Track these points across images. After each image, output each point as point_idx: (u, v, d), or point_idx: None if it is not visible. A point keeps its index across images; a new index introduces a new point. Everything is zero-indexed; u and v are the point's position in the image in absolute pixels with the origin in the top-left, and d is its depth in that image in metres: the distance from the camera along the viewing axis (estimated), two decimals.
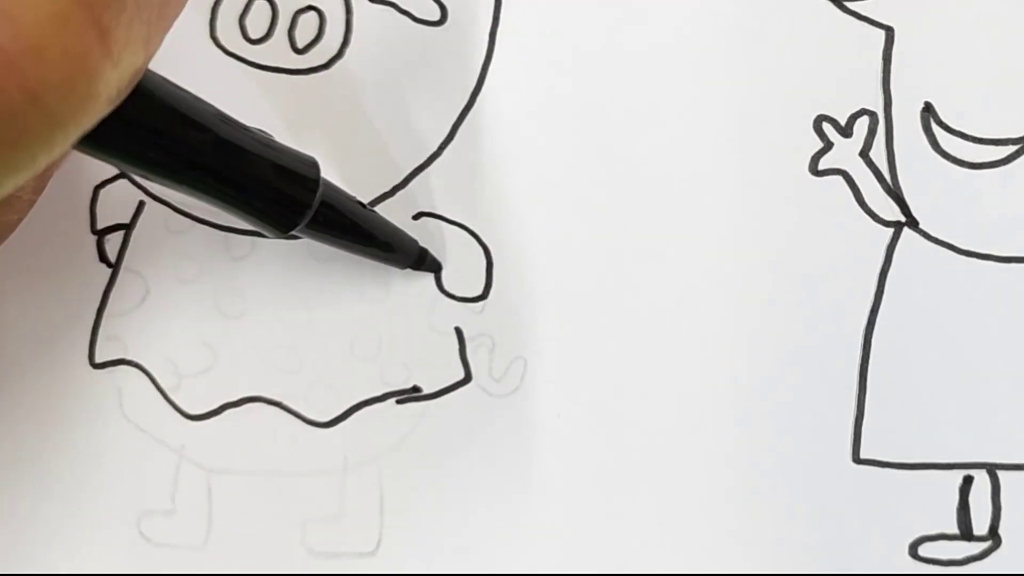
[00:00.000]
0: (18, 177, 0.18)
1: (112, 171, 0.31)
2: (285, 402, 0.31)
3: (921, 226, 0.29)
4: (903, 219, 0.29)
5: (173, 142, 0.24)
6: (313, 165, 0.27)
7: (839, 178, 0.29)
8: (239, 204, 0.26)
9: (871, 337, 0.29)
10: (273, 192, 0.26)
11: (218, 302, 0.31)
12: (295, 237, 0.28)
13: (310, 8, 0.31)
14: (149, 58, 0.19)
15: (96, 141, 0.21)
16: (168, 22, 0.20)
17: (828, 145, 0.29)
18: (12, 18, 0.16)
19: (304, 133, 0.31)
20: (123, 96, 0.20)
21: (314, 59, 0.31)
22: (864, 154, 0.29)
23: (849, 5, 0.29)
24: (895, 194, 0.29)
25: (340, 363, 0.31)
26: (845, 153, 0.29)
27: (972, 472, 0.29)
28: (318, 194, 0.27)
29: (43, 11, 0.16)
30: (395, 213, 0.31)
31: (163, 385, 0.31)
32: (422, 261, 0.30)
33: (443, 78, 0.31)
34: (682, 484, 0.29)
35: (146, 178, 0.24)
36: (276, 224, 0.27)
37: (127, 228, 0.31)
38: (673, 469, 0.29)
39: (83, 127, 0.18)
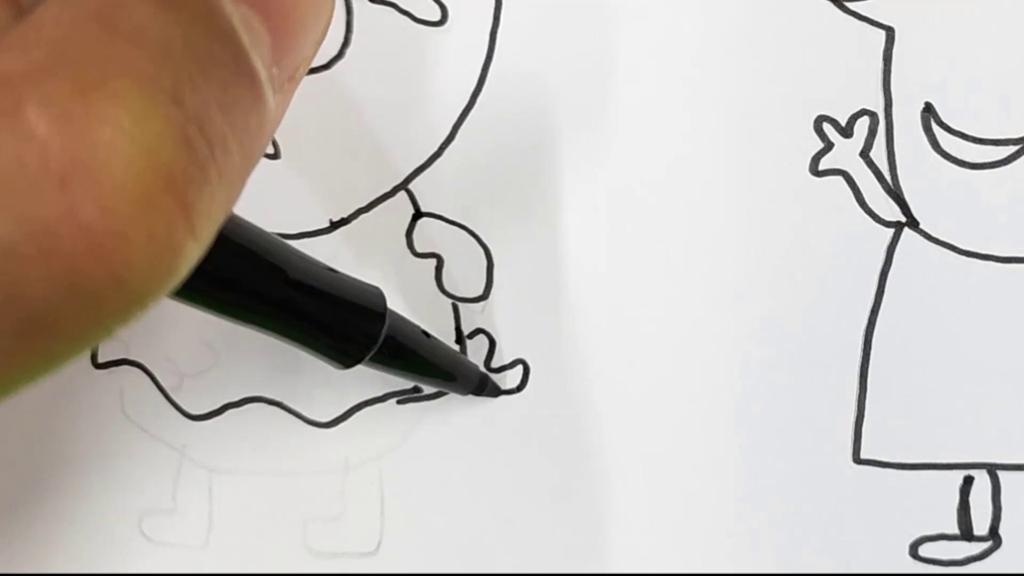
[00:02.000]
0: (92, 346, 0.17)
1: None
2: (286, 402, 0.31)
3: (921, 226, 0.29)
4: (903, 219, 0.29)
5: (245, 284, 0.24)
6: (379, 296, 0.27)
7: (839, 178, 0.29)
8: (308, 341, 0.26)
9: (871, 337, 0.29)
10: (342, 327, 0.26)
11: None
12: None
13: None
14: (228, 215, 0.19)
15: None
16: (247, 176, 0.19)
17: (828, 145, 0.29)
18: (99, 200, 0.15)
19: (304, 133, 0.31)
20: (189, 267, 0.19)
21: (314, 59, 0.31)
22: (864, 154, 0.29)
23: (849, 5, 0.29)
24: (895, 194, 0.29)
25: None
26: (845, 153, 0.29)
27: (972, 472, 0.29)
28: (384, 327, 0.27)
29: (130, 194, 0.16)
30: (396, 213, 0.31)
31: (165, 385, 0.31)
32: (483, 387, 0.30)
33: (443, 78, 0.31)
34: (682, 484, 0.29)
35: (213, 315, 0.24)
36: (343, 358, 0.26)
37: None
38: (673, 469, 0.29)
39: (161, 298, 0.18)
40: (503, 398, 0.30)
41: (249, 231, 0.24)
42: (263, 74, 0.19)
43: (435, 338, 0.29)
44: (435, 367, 0.29)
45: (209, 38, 0.17)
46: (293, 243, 0.31)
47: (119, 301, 0.16)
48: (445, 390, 0.30)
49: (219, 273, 0.23)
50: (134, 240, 0.16)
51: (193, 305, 0.24)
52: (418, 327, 0.29)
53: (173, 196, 0.16)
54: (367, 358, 0.27)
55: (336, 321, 0.26)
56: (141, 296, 0.17)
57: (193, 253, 0.17)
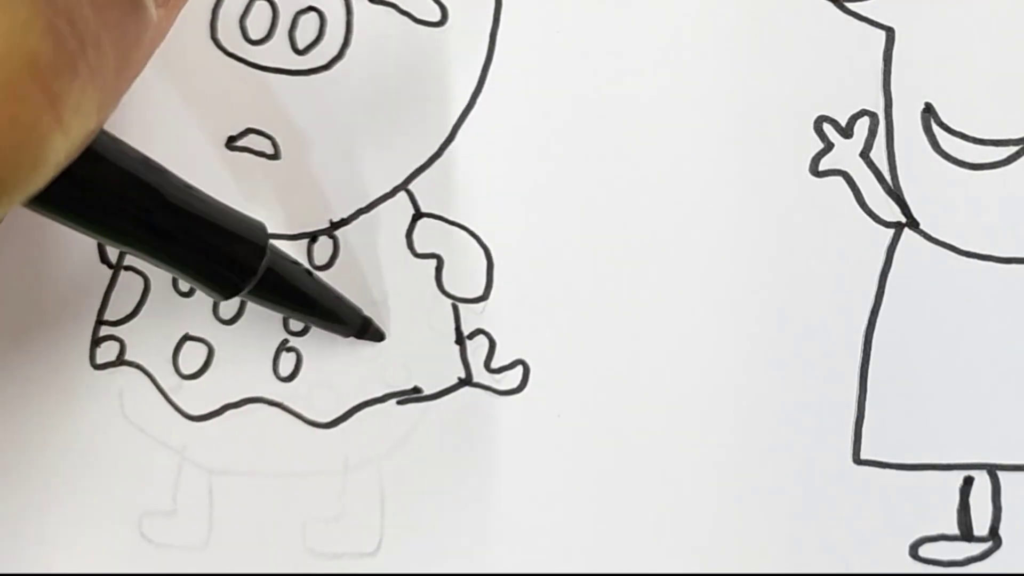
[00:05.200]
0: None
1: None
2: (286, 403, 0.31)
3: (922, 227, 0.29)
4: (904, 220, 0.29)
5: (119, 204, 0.24)
6: (261, 230, 0.27)
7: (839, 179, 0.29)
8: (183, 268, 0.26)
9: (871, 338, 0.29)
10: (219, 257, 0.26)
11: (218, 304, 0.31)
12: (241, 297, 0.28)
13: (311, 9, 0.31)
14: (102, 122, 0.19)
15: (41, 201, 0.21)
16: (125, 84, 0.20)
17: (829, 146, 0.29)
18: None
19: (304, 134, 0.31)
20: (72, 159, 0.20)
21: (315, 60, 0.31)
22: (865, 155, 0.29)
23: (849, 5, 0.29)
24: (896, 195, 0.29)
25: (341, 364, 0.31)
26: (846, 154, 0.29)
27: (972, 473, 0.29)
28: (264, 261, 0.27)
29: None
30: (396, 214, 0.31)
31: (164, 386, 0.31)
32: (365, 330, 0.30)
33: (443, 79, 0.31)
34: (682, 484, 0.29)
35: (90, 236, 0.24)
36: (219, 288, 0.27)
37: None
38: (673, 469, 0.29)
39: (29, 192, 0.18)
40: (503, 398, 0.30)
41: (128, 152, 0.24)
42: None
43: (318, 277, 0.29)
44: (316, 304, 0.29)
45: None
46: (290, 243, 0.31)
47: None
48: (328, 330, 0.30)
49: (94, 188, 0.23)
50: None
51: (71, 224, 0.24)
52: (301, 265, 0.29)
53: (39, 84, 0.16)
54: (246, 290, 0.27)
55: (214, 249, 0.26)
56: (5, 183, 0.17)
57: (59, 145, 0.18)
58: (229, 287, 0.27)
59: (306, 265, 0.30)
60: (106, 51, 0.18)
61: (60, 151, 0.18)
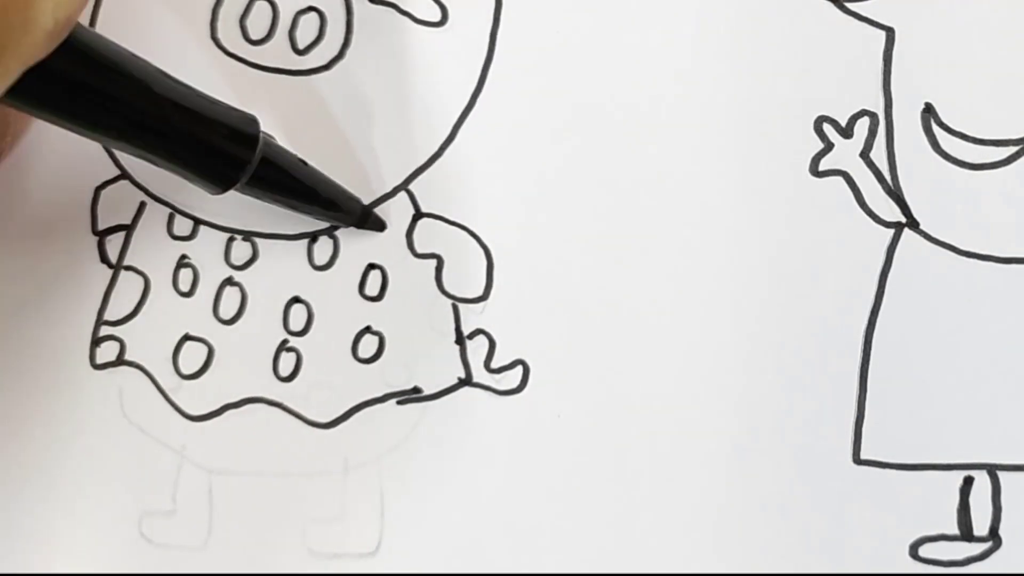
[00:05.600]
0: None
1: (113, 172, 0.31)
2: (286, 403, 0.31)
3: (922, 227, 0.29)
4: (904, 220, 0.29)
5: (106, 96, 0.24)
6: (253, 122, 0.27)
7: (840, 179, 0.29)
8: (176, 160, 0.26)
9: (871, 338, 0.29)
10: (211, 148, 0.27)
11: (219, 303, 0.31)
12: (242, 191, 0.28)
13: (311, 9, 0.31)
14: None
15: (30, 94, 0.22)
16: None
17: (829, 146, 0.29)
18: None
19: (304, 133, 0.31)
20: (62, 32, 0.20)
21: (315, 60, 0.31)
22: (865, 155, 0.29)
23: (849, 6, 0.29)
24: (896, 195, 0.29)
25: (340, 364, 0.31)
26: (846, 154, 0.29)
27: (972, 473, 0.29)
28: (258, 151, 0.27)
29: None
30: (396, 214, 0.31)
31: (164, 386, 0.31)
32: (366, 219, 0.30)
33: (443, 79, 0.31)
34: (682, 484, 0.29)
35: (81, 133, 0.25)
36: (215, 180, 0.27)
37: (128, 229, 0.31)
38: (673, 469, 0.29)
39: (22, 57, 0.19)
40: (503, 399, 0.30)
41: (112, 47, 0.24)
42: None
43: (313, 167, 0.29)
44: (314, 193, 0.29)
45: None
46: (290, 243, 0.31)
47: None
48: (327, 221, 0.30)
49: (82, 82, 0.24)
50: None
51: (61, 122, 0.24)
52: (295, 155, 0.29)
53: None
54: (241, 182, 0.27)
55: (206, 142, 0.26)
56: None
57: (45, 5, 0.19)
58: (224, 179, 0.27)
59: (300, 156, 0.30)
60: None
61: (47, 13, 0.19)
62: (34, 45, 0.19)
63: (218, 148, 0.27)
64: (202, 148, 0.27)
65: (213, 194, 0.27)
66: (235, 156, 0.27)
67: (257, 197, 0.29)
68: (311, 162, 0.29)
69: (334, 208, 0.30)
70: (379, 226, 0.31)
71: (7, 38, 0.18)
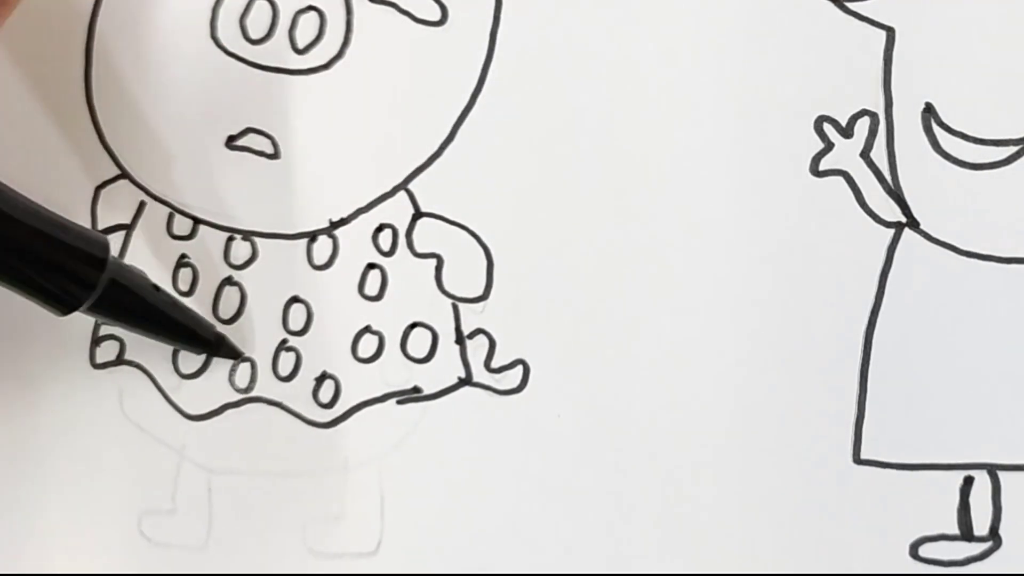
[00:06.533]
0: None
1: (113, 171, 0.31)
2: (285, 402, 0.31)
3: (922, 227, 0.29)
4: (904, 220, 0.29)
5: None
6: (102, 244, 0.27)
7: (840, 179, 0.29)
8: (18, 282, 0.25)
9: (872, 337, 0.29)
10: (55, 270, 0.26)
11: (218, 302, 0.31)
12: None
13: (310, 8, 0.31)
14: None
15: None
16: None
17: (829, 146, 0.29)
18: None
19: (304, 133, 0.31)
20: None
21: (314, 59, 0.31)
22: (865, 155, 0.29)
23: (850, 5, 0.29)
24: (896, 195, 0.29)
25: (340, 364, 0.31)
26: (846, 154, 0.29)
27: (972, 472, 0.29)
28: (104, 274, 0.26)
29: None
30: (395, 213, 0.31)
31: (163, 385, 0.31)
32: (219, 347, 0.30)
33: (443, 78, 0.31)
34: (682, 484, 0.29)
35: None
36: (57, 303, 0.26)
37: (128, 228, 0.31)
38: (673, 469, 0.29)
39: None
40: (503, 398, 0.30)
41: None
42: None
43: (166, 292, 0.29)
44: (166, 320, 0.29)
45: None
46: (289, 243, 0.31)
47: None
48: (181, 348, 0.30)
49: None
50: None
51: None
52: (148, 279, 0.28)
53: None
54: (85, 305, 0.26)
55: (50, 262, 0.26)
56: None
57: None
58: (66, 302, 0.26)
59: (154, 280, 0.29)
60: None
61: None
62: None
63: (62, 271, 0.26)
64: (45, 271, 0.26)
65: (57, 315, 0.27)
66: (81, 279, 0.26)
67: (106, 321, 0.28)
68: (165, 290, 0.29)
69: (188, 334, 0.29)
70: (233, 354, 0.30)
71: None
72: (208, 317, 0.31)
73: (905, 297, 0.29)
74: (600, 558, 0.29)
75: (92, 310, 0.27)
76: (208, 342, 0.30)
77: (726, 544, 0.29)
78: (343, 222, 0.31)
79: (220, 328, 0.31)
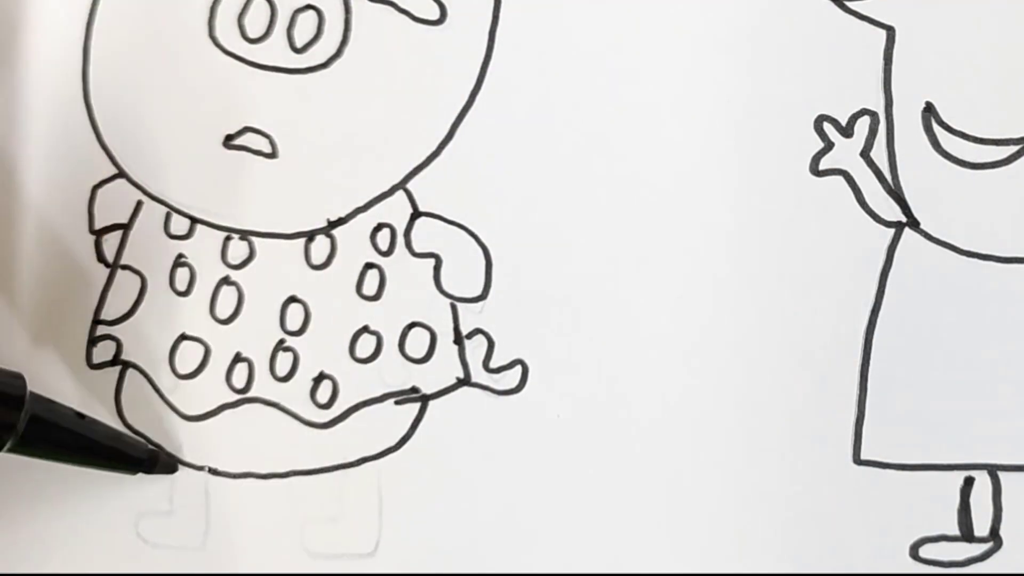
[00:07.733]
0: None
1: (110, 171, 0.31)
2: (283, 403, 0.31)
3: (922, 226, 0.29)
4: (904, 219, 0.29)
5: None
6: (17, 381, 0.26)
7: (840, 178, 0.29)
8: None
9: (872, 337, 0.29)
10: None
11: (215, 302, 0.31)
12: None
13: (309, 7, 0.31)
14: None
15: None
16: None
17: (829, 145, 0.29)
18: None
19: (302, 132, 0.31)
20: None
21: (313, 58, 0.31)
22: (865, 154, 0.29)
23: (850, 5, 0.29)
24: (896, 194, 0.29)
25: (338, 364, 0.30)
26: (846, 153, 0.29)
27: (973, 473, 0.29)
28: (23, 413, 0.26)
29: None
30: (393, 213, 0.31)
31: (160, 385, 0.31)
32: (154, 464, 0.30)
33: (442, 77, 0.31)
34: (682, 484, 0.29)
35: None
36: None
37: (125, 228, 0.31)
38: (673, 469, 0.29)
39: None
40: (503, 398, 0.30)
41: None
42: None
43: (91, 418, 0.28)
44: (95, 446, 0.28)
45: None
46: (287, 242, 0.31)
47: None
48: (114, 471, 0.29)
49: None
50: None
51: None
52: (71, 409, 0.28)
53: None
54: (6, 447, 0.26)
55: None
56: None
57: None
58: None
59: (75, 408, 0.29)
60: None
61: None
62: None
63: None
64: None
65: None
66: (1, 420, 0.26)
67: (33, 456, 0.27)
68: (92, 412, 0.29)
69: (118, 457, 0.29)
70: (169, 469, 0.30)
71: None
72: (205, 317, 0.31)
73: (905, 297, 0.29)
74: (600, 558, 0.29)
75: (17, 448, 0.26)
76: (140, 460, 0.29)
77: (726, 544, 0.29)
78: (341, 222, 0.31)
79: (217, 327, 0.31)
